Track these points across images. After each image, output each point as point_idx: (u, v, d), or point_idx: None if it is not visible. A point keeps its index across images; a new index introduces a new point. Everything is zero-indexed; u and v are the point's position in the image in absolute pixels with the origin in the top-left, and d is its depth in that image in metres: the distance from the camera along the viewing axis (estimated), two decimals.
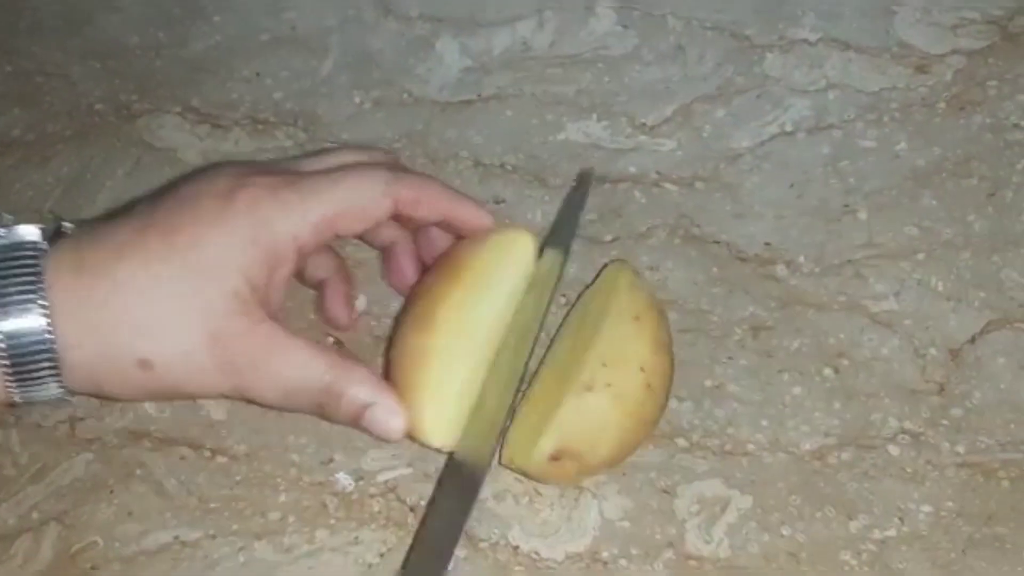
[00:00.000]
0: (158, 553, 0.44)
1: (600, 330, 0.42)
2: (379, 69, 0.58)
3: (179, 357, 0.39)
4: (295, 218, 0.40)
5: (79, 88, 0.59)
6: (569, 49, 0.56)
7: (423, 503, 0.45)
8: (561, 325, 0.47)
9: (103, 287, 0.38)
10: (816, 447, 0.45)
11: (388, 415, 0.40)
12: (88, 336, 0.38)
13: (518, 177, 0.53)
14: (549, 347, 0.46)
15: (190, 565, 0.44)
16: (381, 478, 0.45)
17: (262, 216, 0.40)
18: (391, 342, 0.45)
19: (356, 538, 0.44)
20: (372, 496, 0.45)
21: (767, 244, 0.50)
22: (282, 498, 0.45)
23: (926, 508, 0.43)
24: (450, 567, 0.36)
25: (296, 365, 0.40)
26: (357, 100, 0.57)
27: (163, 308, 0.38)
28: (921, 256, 0.49)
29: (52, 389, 0.39)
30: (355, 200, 0.42)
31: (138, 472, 0.46)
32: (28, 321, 0.37)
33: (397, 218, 0.44)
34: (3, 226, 0.39)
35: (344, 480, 0.46)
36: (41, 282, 0.37)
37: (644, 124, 0.54)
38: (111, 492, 0.46)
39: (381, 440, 0.41)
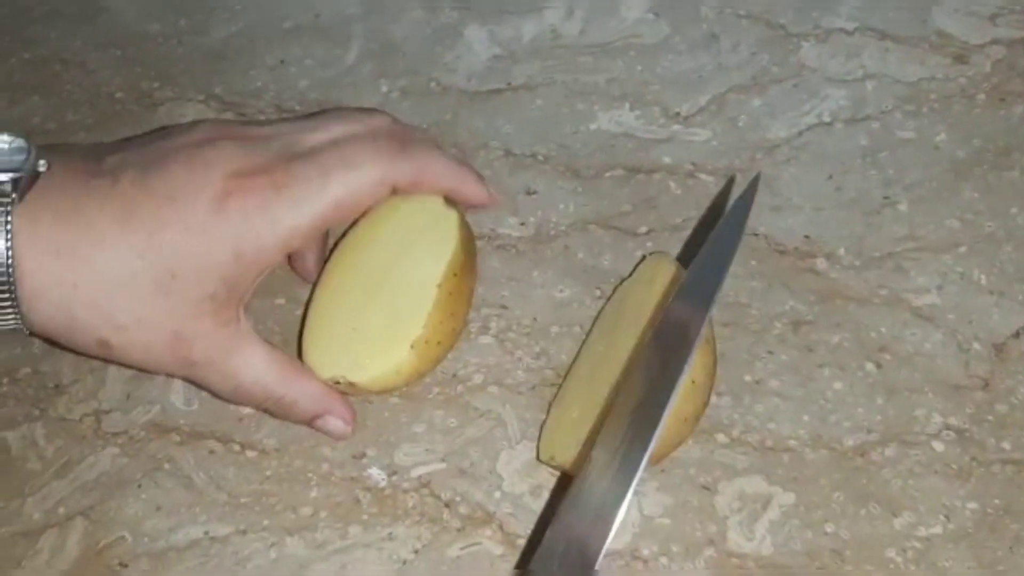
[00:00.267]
0: (187, 549, 0.43)
1: (641, 325, 0.41)
2: (405, 57, 0.57)
3: (139, 347, 0.39)
4: (285, 231, 0.40)
5: (98, 76, 0.58)
6: (599, 37, 0.55)
7: (458, 499, 0.44)
8: (597, 318, 0.46)
9: (77, 271, 0.38)
10: (859, 443, 0.44)
11: (338, 423, 0.44)
12: (53, 310, 0.38)
13: (549, 167, 0.52)
14: (585, 340, 0.45)
15: (220, 561, 0.43)
16: (415, 473, 0.45)
17: (251, 230, 0.39)
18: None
19: (390, 534, 0.43)
20: (406, 491, 0.44)
21: (806, 237, 0.49)
22: (313, 493, 0.44)
23: (972, 505, 0.42)
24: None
25: (250, 370, 0.41)
26: (384, 89, 0.56)
27: (133, 303, 0.39)
28: (963, 249, 0.48)
29: (6, 319, 0.38)
30: (349, 197, 0.41)
31: (166, 466, 0.45)
32: None
33: None
34: None
35: (377, 475, 0.45)
36: (8, 227, 0.37)
37: (678, 114, 0.53)
38: (139, 487, 0.45)
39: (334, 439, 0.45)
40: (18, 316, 0.38)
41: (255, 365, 0.41)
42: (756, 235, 0.49)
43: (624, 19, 0.56)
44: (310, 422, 0.44)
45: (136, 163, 0.40)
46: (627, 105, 0.53)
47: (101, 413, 0.47)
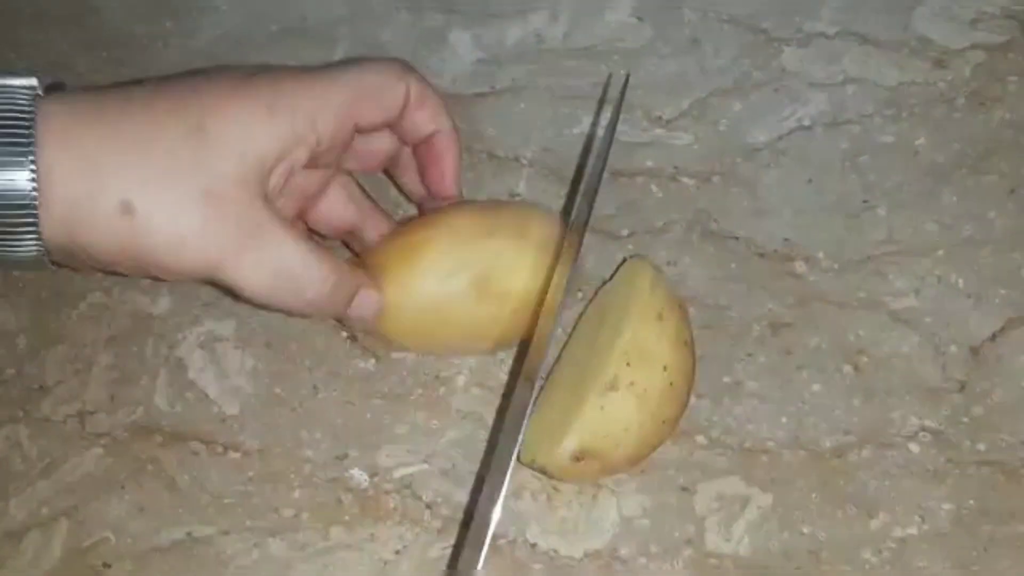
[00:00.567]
0: (171, 549, 0.44)
1: (622, 328, 0.42)
2: None
3: (165, 207, 0.36)
4: (317, 101, 0.38)
5: (86, 79, 0.58)
6: (583, 41, 0.56)
7: (440, 500, 0.44)
8: (579, 321, 0.46)
9: (101, 129, 0.36)
10: (836, 445, 0.44)
11: (371, 295, 0.42)
12: (74, 170, 0.35)
13: (533, 171, 0.52)
14: (566, 344, 0.46)
15: (203, 562, 0.43)
16: (397, 474, 0.45)
17: (283, 91, 0.38)
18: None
19: (372, 535, 0.44)
20: (387, 492, 0.45)
21: (786, 240, 0.49)
22: (296, 494, 0.45)
23: (947, 506, 0.43)
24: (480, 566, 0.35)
25: (287, 251, 0.38)
26: None
27: (160, 153, 0.36)
28: (941, 253, 0.48)
29: (28, 244, 0.36)
30: (375, 84, 0.40)
31: (149, 467, 0.46)
32: (13, 176, 0.35)
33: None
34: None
35: (359, 476, 0.45)
36: (32, 134, 0.35)
37: (660, 117, 0.53)
38: (122, 488, 0.45)
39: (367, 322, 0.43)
40: (36, 225, 0.35)
41: (290, 245, 0.38)
42: (736, 238, 0.49)
43: (608, 23, 0.56)
44: (347, 305, 0.41)
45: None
46: (610, 109, 0.54)
47: (85, 414, 0.47)
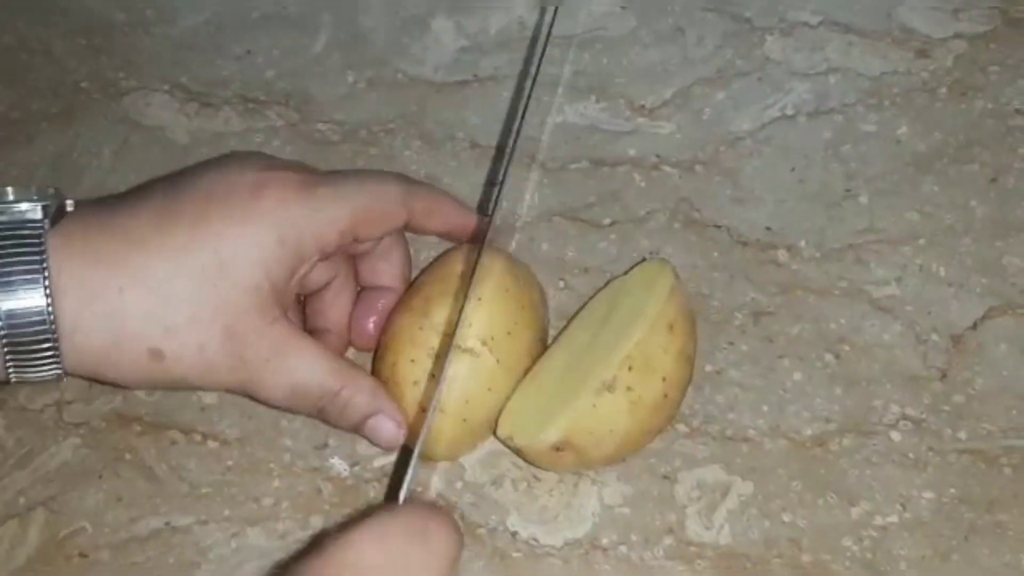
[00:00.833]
0: (148, 539, 0.43)
1: (632, 332, 0.41)
2: (372, 48, 0.57)
3: (192, 349, 0.38)
4: (324, 219, 0.40)
5: (64, 65, 0.58)
6: (566, 29, 0.55)
7: (419, 489, 0.44)
8: (583, 308, 0.46)
9: (121, 276, 0.37)
10: (817, 433, 0.44)
11: (390, 424, 0.41)
12: (100, 322, 0.37)
13: (516, 160, 0.52)
14: (565, 328, 0.45)
15: (181, 551, 0.43)
16: (376, 463, 0.45)
17: (290, 217, 0.39)
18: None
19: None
20: (367, 481, 0.44)
21: (768, 229, 0.49)
22: (275, 483, 0.44)
23: (928, 495, 0.43)
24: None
25: (306, 367, 0.40)
26: (350, 79, 0.55)
27: (182, 300, 0.38)
28: (923, 241, 0.48)
29: (49, 370, 0.38)
30: (378, 204, 0.42)
31: (127, 457, 0.45)
32: (30, 302, 0.36)
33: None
34: (3, 203, 0.37)
35: (339, 465, 0.45)
36: (45, 263, 0.37)
37: (643, 106, 0.53)
38: (100, 477, 0.45)
39: (380, 447, 0.43)
40: (58, 356, 0.37)
41: (310, 360, 0.40)
42: (718, 227, 0.49)
43: (591, 12, 0.56)
44: (362, 424, 0.42)
45: (162, 184, 0.40)
46: (593, 97, 0.53)
47: (63, 403, 0.47)
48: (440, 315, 0.42)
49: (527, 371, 0.43)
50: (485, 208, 0.50)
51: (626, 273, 0.45)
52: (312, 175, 0.41)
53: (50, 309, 0.36)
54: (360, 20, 0.58)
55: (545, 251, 0.49)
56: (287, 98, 0.55)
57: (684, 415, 0.45)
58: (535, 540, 0.43)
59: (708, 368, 0.46)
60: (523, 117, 0.42)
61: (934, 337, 0.46)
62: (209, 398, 0.46)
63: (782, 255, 0.48)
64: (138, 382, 0.40)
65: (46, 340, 0.37)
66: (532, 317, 0.43)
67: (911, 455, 0.44)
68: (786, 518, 0.43)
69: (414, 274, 0.46)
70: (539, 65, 0.43)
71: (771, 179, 0.50)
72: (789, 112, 0.52)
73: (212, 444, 0.45)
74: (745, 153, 0.51)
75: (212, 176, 0.40)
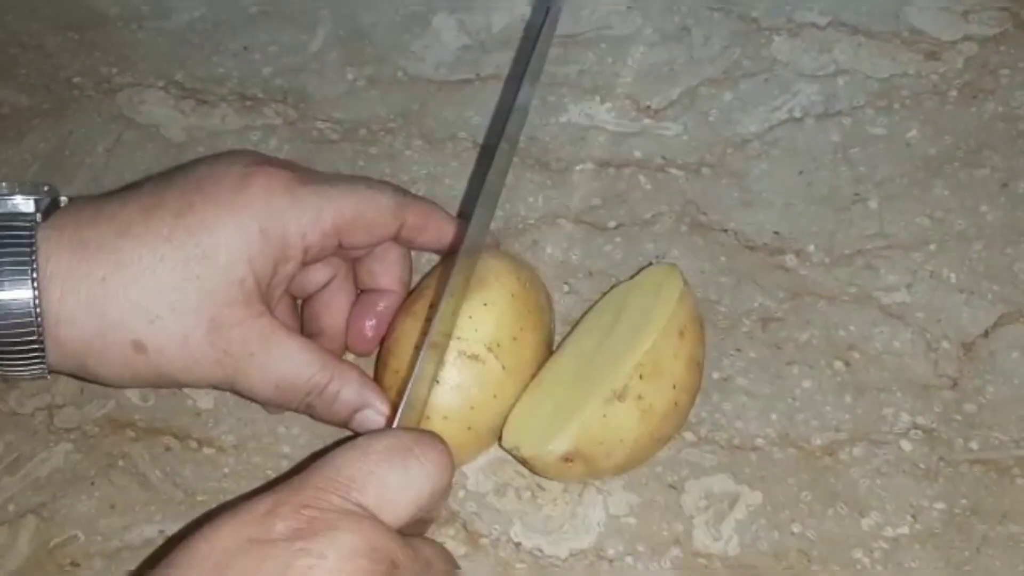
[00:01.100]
0: (142, 548, 0.42)
1: (642, 339, 0.40)
2: (372, 45, 0.56)
3: (175, 341, 0.37)
4: (308, 217, 0.39)
5: (56, 60, 0.56)
6: (571, 28, 0.54)
7: None
8: (588, 313, 0.45)
9: (104, 265, 0.37)
10: (827, 442, 0.43)
11: (378, 419, 0.41)
12: (83, 312, 0.37)
13: (519, 160, 0.51)
14: (570, 333, 0.44)
15: None
16: None
17: (275, 208, 0.38)
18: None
19: None
20: None
21: (776, 233, 0.48)
22: None
23: (939, 505, 0.42)
24: None
25: (292, 360, 0.39)
26: (350, 77, 0.54)
27: (165, 290, 0.37)
28: (933, 247, 0.48)
29: (35, 366, 0.37)
30: (368, 211, 0.41)
31: (121, 463, 0.44)
32: (17, 295, 0.36)
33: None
34: None
35: None
36: (33, 257, 0.36)
37: (649, 107, 0.52)
38: (92, 484, 0.44)
39: None
40: (43, 351, 0.37)
41: (296, 354, 0.39)
42: (726, 231, 0.48)
43: (596, 10, 0.55)
44: (350, 418, 0.41)
45: (154, 178, 0.40)
46: (598, 98, 0.52)
47: (54, 408, 0.46)
48: None
49: (533, 377, 0.42)
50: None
51: (632, 277, 0.44)
52: (304, 174, 0.40)
53: (36, 302, 0.36)
54: (359, 16, 0.57)
55: (549, 254, 0.48)
56: (285, 95, 0.54)
57: (691, 423, 0.44)
58: (539, 550, 0.42)
59: (715, 375, 0.45)
60: (510, 117, 0.41)
61: (945, 345, 0.45)
62: (204, 403, 0.45)
63: (790, 260, 0.48)
64: (122, 376, 0.39)
65: (31, 335, 0.36)
66: (538, 322, 0.42)
67: (922, 465, 0.43)
68: (795, 529, 0.42)
69: (416, 279, 0.45)
70: (528, 64, 0.41)
71: (779, 182, 0.50)
72: (797, 114, 0.51)
73: (208, 450, 0.44)
74: (752, 155, 0.50)
75: (201, 169, 0.39)
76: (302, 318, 0.45)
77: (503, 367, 0.40)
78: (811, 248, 0.48)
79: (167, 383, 0.40)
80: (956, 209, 0.48)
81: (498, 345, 0.40)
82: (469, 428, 0.40)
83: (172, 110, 0.54)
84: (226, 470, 0.44)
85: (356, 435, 0.39)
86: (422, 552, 0.32)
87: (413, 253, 0.45)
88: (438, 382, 0.40)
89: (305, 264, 0.41)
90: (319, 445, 0.44)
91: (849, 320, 0.46)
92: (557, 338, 0.45)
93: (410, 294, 0.44)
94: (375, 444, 0.32)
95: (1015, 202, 0.48)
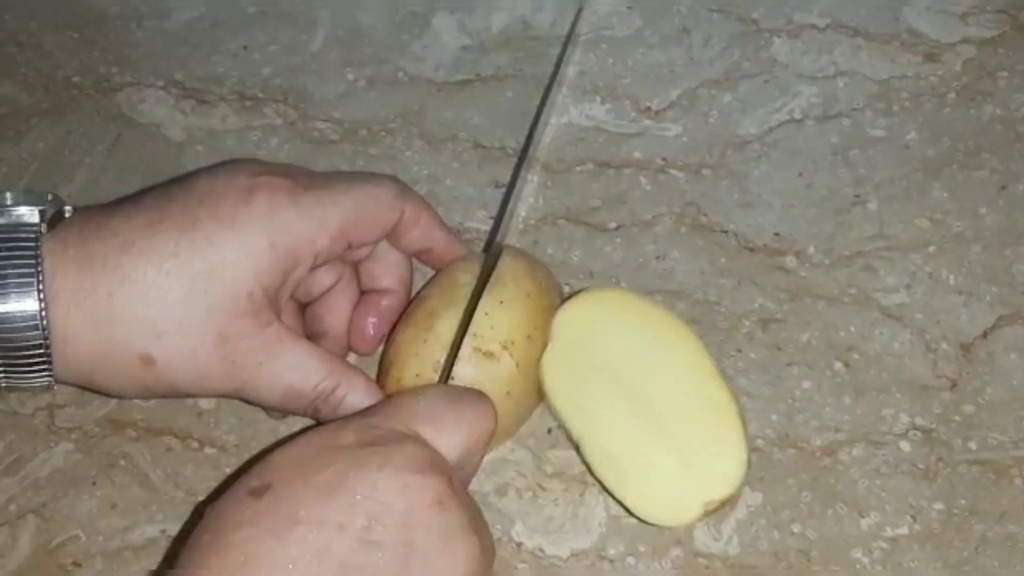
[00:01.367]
0: (143, 548, 0.42)
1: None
2: (372, 45, 0.56)
3: (184, 355, 0.38)
4: (314, 224, 0.39)
5: (55, 59, 0.56)
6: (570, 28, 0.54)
7: None
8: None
9: (110, 280, 0.37)
10: (826, 443, 0.44)
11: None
12: (90, 329, 0.37)
13: (518, 161, 0.51)
14: None
15: None
16: None
17: (281, 220, 0.38)
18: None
19: None
20: None
21: (776, 234, 0.48)
22: None
23: (938, 506, 0.42)
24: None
25: (300, 367, 0.39)
26: (350, 77, 0.54)
27: (172, 305, 0.37)
28: (932, 249, 0.48)
29: (40, 378, 0.37)
30: (369, 206, 0.41)
31: (122, 463, 0.44)
32: (23, 307, 0.36)
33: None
34: (1, 205, 0.37)
35: None
36: (39, 268, 0.36)
37: (649, 108, 0.52)
38: (93, 484, 0.44)
39: None
40: (50, 364, 0.37)
41: (304, 361, 0.40)
42: (725, 232, 0.49)
43: (596, 11, 0.55)
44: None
45: (155, 191, 0.40)
46: (598, 99, 0.53)
47: (55, 407, 0.46)
48: (445, 327, 0.41)
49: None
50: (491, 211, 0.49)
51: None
52: (303, 179, 0.40)
53: (43, 314, 0.36)
54: (359, 17, 0.57)
55: (549, 255, 0.48)
56: (285, 96, 0.54)
57: None
58: (541, 551, 0.42)
59: None
60: (537, 121, 0.41)
61: (944, 346, 0.46)
62: (206, 403, 0.45)
63: (790, 261, 0.48)
64: (132, 390, 0.39)
65: (38, 347, 0.36)
66: (550, 321, 0.42)
67: (921, 465, 0.43)
68: (795, 529, 0.42)
69: (418, 286, 0.45)
70: (557, 69, 0.41)
71: (779, 183, 0.50)
72: (797, 116, 0.51)
73: (209, 450, 0.44)
74: (752, 157, 0.50)
75: (203, 181, 0.39)
76: (304, 320, 0.45)
77: (516, 365, 0.40)
78: (811, 249, 0.48)
79: (175, 394, 0.40)
80: (955, 211, 0.49)
81: (512, 343, 0.40)
82: None
83: (172, 110, 0.54)
84: (228, 470, 0.44)
85: None
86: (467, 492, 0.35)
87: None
88: (452, 378, 0.40)
89: (314, 268, 0.41)
90: None
91: (849, 321, 0.46)
92: None
93: (411, 302, 0.44)
94: (430, 390, 0.37)
95: (1013, 204, 0.49)
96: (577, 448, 0.42)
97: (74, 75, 0.55)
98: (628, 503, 0.40)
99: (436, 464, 0.33)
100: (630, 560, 0.42)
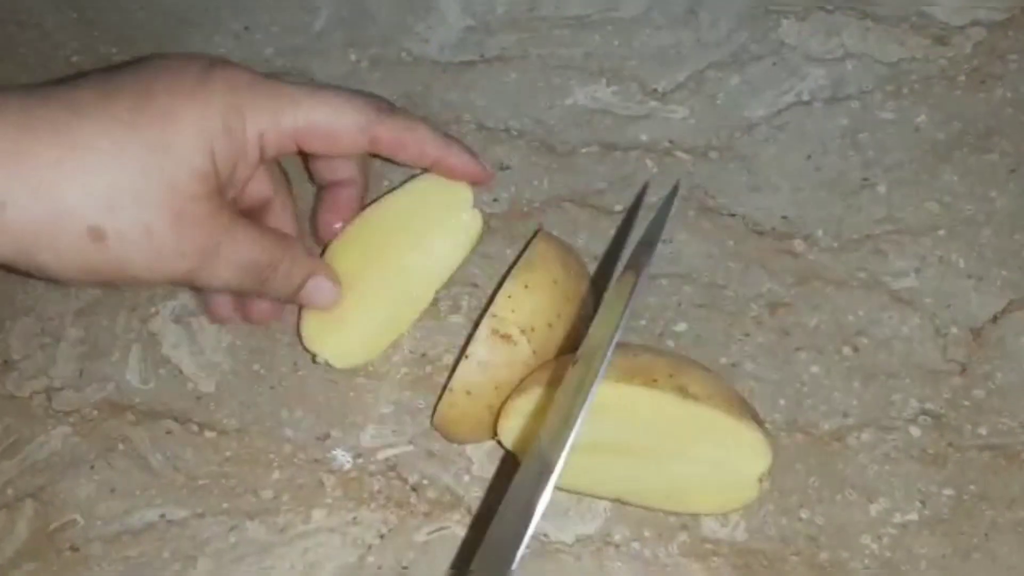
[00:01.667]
0: (143, 532, 0.42)
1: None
2: (375, 26, 0.55)
3: (138, 231, 0.35)
4: (267, 116, 0.38)
5: (55, 39, 0.55)
6: (577, 9, 0.54)
7: (426, 482, 0.43)
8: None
9: (58, 147, 0.34)
10: (835, 428, 0.43)
11: (327, 284, 0.43)
12: (31, 196, 0.34)
13: (524, 143, 0.50)
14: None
15: (177, 545, 0.42)
16: (381, 455, 0.43)
17: (238, 103, 0.37)
18: None
19: (354, 518, 0.42)
20: (371, 474, 0.43)
21: (784, 218, 0.48)
22: (275, 475, 0.43)
23: (948, 491, 0.42)
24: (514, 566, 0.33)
25: (254, 244, 0.39)
26: (353, 58, 0.54)
27: (126, 177, 0.35)
28: (942, 232, 0.47)
29: None
30: (331, 122, 0.40)
31: (120, 447, 0.44)
32: None
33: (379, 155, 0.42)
34: None
35: (342, 457, 0.43)
36: None
37: (656, 90, 0.51)
38: (91, 468, 0.43)
39: (320, 309, 0.43)
40: None
41: (257, 237, 0.39)
42: (733, 215, 0.48)
43: None
44: (302, 286, 0.42)
45: (99, 70, 0.38)
46: (604, 80, 0.52)
47: (52, 390, 0.45)
48: None
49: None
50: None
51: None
52: (272, 78, 0.39)
53: None
54: None
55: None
56: (287, 76, 0.53)
57: None
58: (545, 536, 0.41)
59: (723, 360, 0.45)
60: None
61: (954, 330, 0.45)
62: (205, 387, 0.45)
63: (799, 245, 0.47)
64: (76, 270, 0.36)
65: None
66: (574, 311, 0.41)
67: (931, 450, 0.43)
68: (803, 515, 0.41)
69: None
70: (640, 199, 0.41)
71: (787, 166, 0.49)
72: (805, 98, 0.51)
73: (209, 434, 0.44)
74: (760, 139, 0.50)
75: (156, 61, 0.38)
76: None
77: (533, 352, 0.40)
78: (819, 233, 0.47)
79: (123, 279, 0.37)
80: (965, 194, 0.48)
81: (532, 329, 0.40)
82: (490, 407, 0.40)
83: None
84: (228, 454, 0.43)
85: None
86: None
87: None
88: (467, 356, 0.39)
89: (260, 163, 0.40)
90: (323, 429, 0.44)
91: (857, 305, 0.46)
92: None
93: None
94: None
95: (1023, 188, 0.48)
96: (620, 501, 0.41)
97: (74, 55, 0.55)
98: (698, 510, 0.40)
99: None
100: (635, 545, 0.41)
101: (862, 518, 0.41)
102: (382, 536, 0.42)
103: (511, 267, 0.41)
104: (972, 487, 0.42)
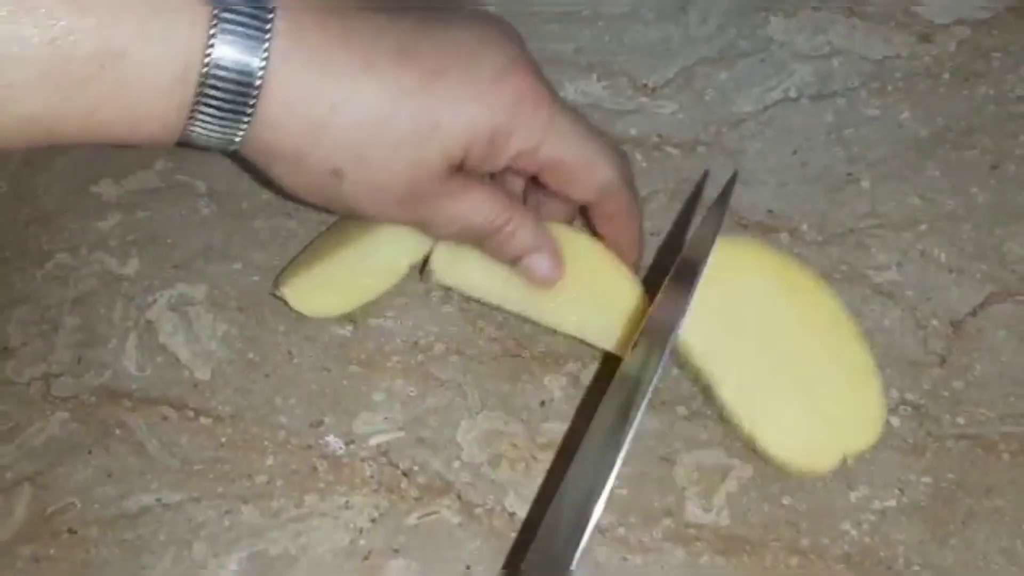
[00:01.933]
0: (139, 516, 0.43)
1: None
2: None
3: (373, 186, 0.38)
4: (531, 144, 0.39)
5: None
6: (567, 5, 0.55)
7: (416, 468, 0.43)
8: None
9: (339, 92, 0.36)
10: None
11: (547, 262, 0.42)
12: (298, 128, 0.36)
13: None
14: None
15: (172, 528, 0.42)
16: (373, 441, 0.44)
17: (513, 122, 0.38)
18: None
19: (346, 503, 0.43)
20: (363, 460, 0.44)
21: (770, 211, 0.49)
22: (269, 461, 0.44)
23: (926, 479, 0.43)
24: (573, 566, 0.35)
25: (477, 208, 0.40)
26: None
27: (386, 141, 0.37)
28: (923, 227, 0.48)
29: (228, 134, 0.36)
30: (583, 170, 0.41)
31: (117, 432, 0.44)
32: (244, 60, 0.34)
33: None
34: None
35: (334, 443, 0.44)
36: (268, 33, 0.34)
37: (645, 85, 0.52)
38: (89, 453, 0.44)
39: (536, 285, 0.43)
40: (243, 130, 0.35)
41: (482, 201, 0.40)
42: None
43: None
44: (521, 258, 0.42)
45: (415, 15, 0.38)
46: (594, 75, 0.53)
47: (50, 377, 0.46)
48: None
49: None
50: None
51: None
52: (561, 101, 0.40)
53: (261, 72, 0.34)
54: None
55: None
56: None
57: (684, 397, 0.44)
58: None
59: None
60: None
61: (934, 323, 0.46)
62: (202, 374, 0.46)
63: (784, 238, 0.48)
64: (305, 191, 0.39)
65: (244, 102, 0.34)
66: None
67: (910, 440, 0.44)
68: (785, 501, 0.42)
69: None
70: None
71: (773, 161, 0.50)
72: (792, 94, 0.52)
73: (205, 420, 0.45)
74: (747, 135, 0.51)
75: (467, 36, 0.38)
76: None
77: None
78: (804, 227, 0.48)
79: (340, 207, 0.40)
80: (947, 190, 0.49)
81: None
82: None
83: None
84: (223, 440, 0.44)
85: None
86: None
87: None
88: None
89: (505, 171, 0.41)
90: (316, 416, 0.45)
91: (840, 297, 0.46)
92: None
93: None
94: None
95: (1004, 184, 0.49)
96: (704, 391, 0.43)
97: None
98: (766, 446, 0.41)
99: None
100: (621, 530, 0.42)
101: (842, 505, 0.42)
102: (373, 520, 0.42)
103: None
104: (950, 475, 0.43)
